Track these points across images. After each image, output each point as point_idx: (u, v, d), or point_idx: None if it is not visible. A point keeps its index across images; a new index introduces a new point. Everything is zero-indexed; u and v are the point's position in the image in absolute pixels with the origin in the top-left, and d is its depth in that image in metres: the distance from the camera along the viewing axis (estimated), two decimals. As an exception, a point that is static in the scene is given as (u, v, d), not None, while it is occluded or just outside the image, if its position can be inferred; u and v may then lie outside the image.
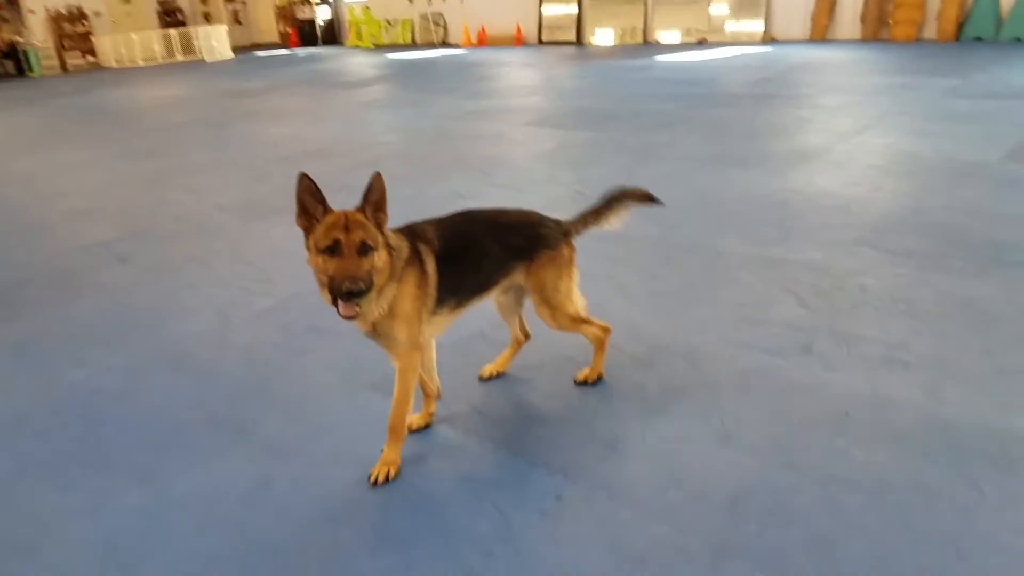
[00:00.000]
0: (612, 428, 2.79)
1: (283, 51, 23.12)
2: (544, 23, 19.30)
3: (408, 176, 6.75)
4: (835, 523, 2.24)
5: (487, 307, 3.04)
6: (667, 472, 2.51)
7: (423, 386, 2.85)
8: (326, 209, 2.31)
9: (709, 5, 16.42)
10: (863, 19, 14.48)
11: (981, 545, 2.11)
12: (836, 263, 4.15)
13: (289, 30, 24.67)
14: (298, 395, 3.20)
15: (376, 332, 2.49)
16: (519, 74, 14.21)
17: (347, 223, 2.26)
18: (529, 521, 2.34)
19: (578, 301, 2.95)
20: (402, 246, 2.47)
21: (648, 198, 3.02)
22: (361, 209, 2.31)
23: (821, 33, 15.06)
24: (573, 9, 18.67)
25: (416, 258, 2.52)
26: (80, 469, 2.77)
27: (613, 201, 2.96)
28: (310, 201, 2.30)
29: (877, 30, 14.31)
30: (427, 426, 2.86)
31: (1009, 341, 3.20)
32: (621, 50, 16.63)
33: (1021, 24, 12.65)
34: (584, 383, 3.06)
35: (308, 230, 2.32)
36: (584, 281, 3.00)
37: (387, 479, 2.56)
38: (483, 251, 2.71)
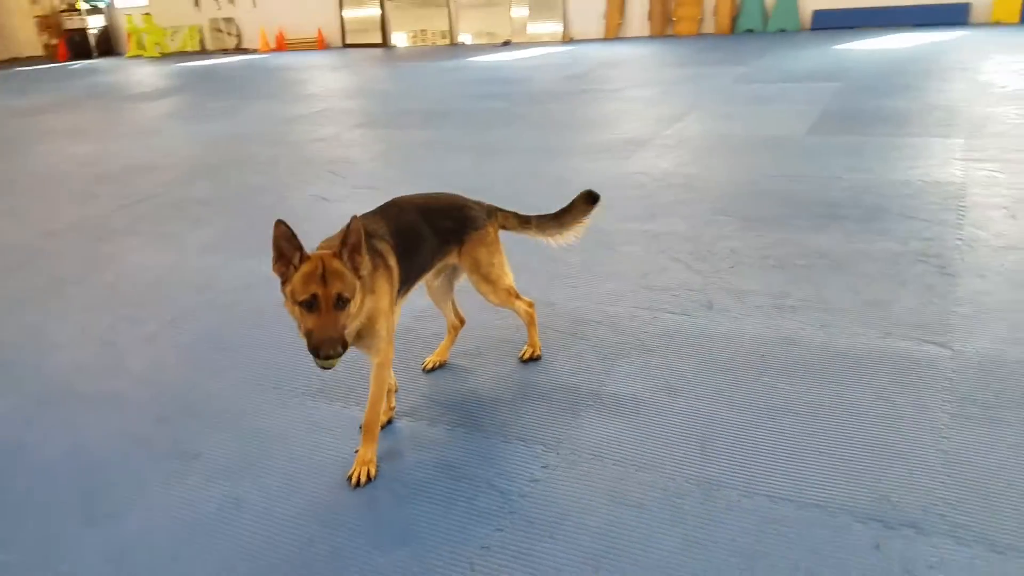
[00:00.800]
0: (567, 397, 2.93)
1: (53, 65, 20.75)
2: (347, 26, 18.97)
3: (262, 184, 6.46)
4: (790, 445, 2.55)
5: (408, 304, 3.06)
6: (634, 427, 2.71)
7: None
8: (303, 256, 2.25)
9: (510, 8, 17.03)
10: (650, 17, 15.75)
11: (912, 446, 2.50)
12: (702, 231, 4.59)
13: (56, 41, 22.07)
14: (231, 413, 3.02)
15: (359, 337, 2.46)
16: (331, 77, 13.92)
17: (325, 273, 2.21)
18: (525, 492, 2.42)
19: (510, 275, 3.08)
20: (365, 260, 2.44)
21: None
22: (338, 254, 2.28)
23: (614, 32, 16.17)
24: (376, 12, 18.53)
25: (379, 259, 2.53)
26: (14, 524, 2.45)
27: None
28: (287, 247, 2.24)
29: (663, 27, 15.63)
30: (390, 421, 2.84)
31: (865, 279, 3.74)
32: (429, 52, 16.78)
33: (784, 17, 14.46)
34: (530, 360, 3.18)
35: (285, 277, 2.26)
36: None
37: (368, 478, 2.52)
38: (422, 237, 2.78)
